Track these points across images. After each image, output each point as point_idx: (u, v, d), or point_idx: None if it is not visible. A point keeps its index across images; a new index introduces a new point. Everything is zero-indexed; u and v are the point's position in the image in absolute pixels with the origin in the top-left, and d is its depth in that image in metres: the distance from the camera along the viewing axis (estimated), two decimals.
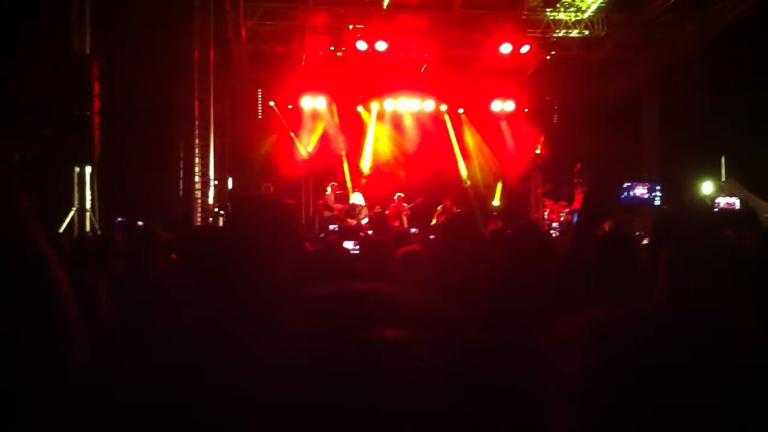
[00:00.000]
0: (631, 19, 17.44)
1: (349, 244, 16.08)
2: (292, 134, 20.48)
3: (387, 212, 17.89)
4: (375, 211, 18.16)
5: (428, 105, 21.11)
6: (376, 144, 20.79)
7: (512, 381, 1.78)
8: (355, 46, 17.70)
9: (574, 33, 17.94)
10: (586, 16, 17.17)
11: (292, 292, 2.05)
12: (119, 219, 13.22)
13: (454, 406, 1.38)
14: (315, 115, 20.73)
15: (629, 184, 17.02)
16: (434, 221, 18.48)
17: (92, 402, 1.43)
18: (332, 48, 18.10)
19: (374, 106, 20.82)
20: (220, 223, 14.67)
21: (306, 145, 20.56)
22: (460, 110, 21.50)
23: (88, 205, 11.91)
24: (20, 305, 1.37)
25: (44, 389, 1.36)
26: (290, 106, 20.60)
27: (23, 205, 1.43)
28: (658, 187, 17.12)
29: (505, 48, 18.04)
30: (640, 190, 17.02)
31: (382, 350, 1.28)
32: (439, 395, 1.30)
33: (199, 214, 15.30)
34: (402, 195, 18.76)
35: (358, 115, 21.02)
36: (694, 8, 16.63)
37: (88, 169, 11.92)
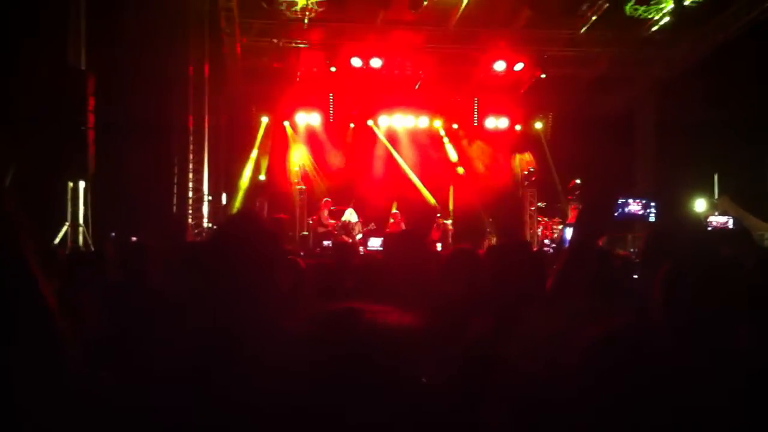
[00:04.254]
0: (625, 36, 17.52)
1: (376, 242, 16.48)
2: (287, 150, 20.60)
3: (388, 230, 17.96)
4: (369, 228, 18.19)
5: (422, 121, 21.19)
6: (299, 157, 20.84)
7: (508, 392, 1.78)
8: (350, 63, 17.75)
9: (569, 50, 18.04)
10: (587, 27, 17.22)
11: (289, 306, 2.05)
12: (113, 234, 13.19)
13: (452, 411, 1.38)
14: (310, 131, 20.80)
15: (623, 200, 17.06)
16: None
17: (88, 410, 1.43)
18: (327, 63, 18.15)
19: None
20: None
21: (299, 161, 20.60)
22: (455, 126, 21.60)
23: (81, 219, 11.89)
24: (5, 320, 1.37)
25: (31, 399, 1.35)
26: (285, 122, 20.67)
27: (13, 220, 1.43)
28: (652, 204, 17.17)
29: (499, 66, 18.11)
30: (635, 207, 17.06)
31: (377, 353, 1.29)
32: (436, 402, 1.30)
33: (193, 231, 15.26)
34: (397, 211, 18.83)
35: (354, 130, 21.08)
36: (687, 26, 16.72)
37: (82, 184, 11.90)
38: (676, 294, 2.29)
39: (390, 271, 3.85)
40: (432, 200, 20.66)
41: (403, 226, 18.28)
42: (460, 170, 21.17)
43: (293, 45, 17.81)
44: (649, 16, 15.85)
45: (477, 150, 21.65)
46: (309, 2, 15.24)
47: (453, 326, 2.88)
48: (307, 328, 1.40)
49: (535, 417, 1.28)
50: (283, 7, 15.34)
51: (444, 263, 4.51)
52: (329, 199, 18.91)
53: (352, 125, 21.02)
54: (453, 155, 21.38)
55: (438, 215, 19.47)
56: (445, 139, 21.47)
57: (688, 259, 2.61)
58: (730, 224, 14.82)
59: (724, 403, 1.29)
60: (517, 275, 3.24)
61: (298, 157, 20.65)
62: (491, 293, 3.17)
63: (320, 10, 15.45)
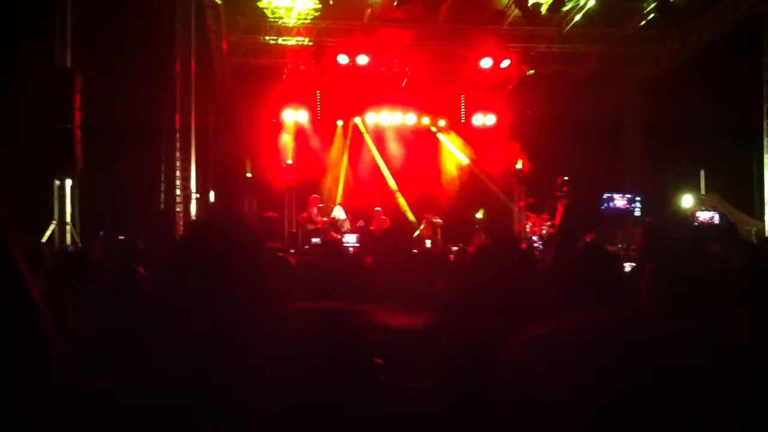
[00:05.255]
0: (613, 34, 17.56)
1: (351, 238, 16.45)
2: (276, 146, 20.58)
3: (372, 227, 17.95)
4: (358, 225, 18.20)
5: (410, 118, 21.18)
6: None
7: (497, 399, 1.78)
8: (337, 60, 17.73)
9: (556, 47, 18.07)
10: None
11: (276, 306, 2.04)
12: (101, 233, 13.14)
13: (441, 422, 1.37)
14: (297, 128, 20.77)
15: (609, 195, 17.13)
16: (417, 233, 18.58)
17: (74, 410, 1.42)
18: (314, 62, 18.11)
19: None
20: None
21: (288, 158, 20.56)
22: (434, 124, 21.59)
23: (68, 218, 11.82)
24: None
25: (18, 399, 1.35)
26: (273, 120, 20.64)
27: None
28: (637, 199, 17.25)
29: (486, 62, 18.12)
30: (620, 202, 17.14)
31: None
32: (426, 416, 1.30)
33: (180, 228, 15.20)
34: (380, 209, 18.86)
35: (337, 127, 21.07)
36: (674, 24, 16.78)
37: (69, 183, 11.84)
38: (664, 291, 2.30)
39: (369, 270, 3.85)
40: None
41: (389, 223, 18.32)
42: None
43: (280, 42, 17.79)
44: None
45: (465, 147, 21.66)
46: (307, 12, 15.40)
47: (444, 326, 2.88)
48: (297, 326, 1.40)
49: (532, 417, 1.28)
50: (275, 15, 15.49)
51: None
52: (317, 196, 18.91)
53: (339, 122, 21.03)
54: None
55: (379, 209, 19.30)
56: (447, 142, 21.45)
57: (679, 257, 2.62)
58: (716, 220, 14.90)
59: (712, 401, 1.30)
60: (507, 274, 3.24)
61: (287, 155, 20.62)
62: (482, 293, 3.17)
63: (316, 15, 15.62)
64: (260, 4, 15.83)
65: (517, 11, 15.92)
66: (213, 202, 17.98)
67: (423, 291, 3.80)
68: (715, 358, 1.39)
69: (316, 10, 16.05)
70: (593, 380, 1.25)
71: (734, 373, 1.37)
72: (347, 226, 18.31)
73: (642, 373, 1.26)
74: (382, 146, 21.19)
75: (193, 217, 15.46)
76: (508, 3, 16.17)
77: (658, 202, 17.37)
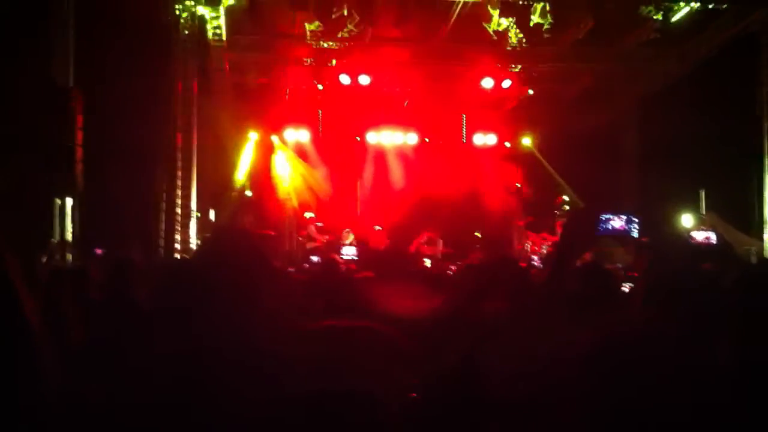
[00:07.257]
0: (610, 52, 17.61)
1: (351, 251, 16.43)
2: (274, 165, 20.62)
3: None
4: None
5: (411, 138, 21.22)
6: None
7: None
8: (338, 80, 17.78)
9: (554, 66, 18.12)
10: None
11: (277, 324, 2.06)
12: (98, 251, 13.14)
13: None
14: (299, 148, 20.80)
15: (607, 216, 17.14)
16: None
17: (68, 426, 1.43)
18: (315, 82, 18.15)
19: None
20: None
21: (288, 177, 20.59)
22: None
23: (68, 237, 11.84)
24: None
25: (12, 414, 1.36)
26: (274, 138, 20.67)
27: None
28: (635, 219, 17.27)
29: (487, 83, 18.18)
30: (618, 222, 17.15)
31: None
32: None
33: (181, 247, 15.19)
34: (380, 228, 18.86)
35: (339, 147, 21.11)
36: (671, 42, 16.82)
37: (69, 201, 11.86)
38: (657, 306, 2.32)
39: (367, 285, 3.87)
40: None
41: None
42: None
43: (281, 61, 17.88)
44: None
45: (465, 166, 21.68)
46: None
47: (441, 341, 2.90)
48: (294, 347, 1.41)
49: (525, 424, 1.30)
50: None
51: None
52: (313, 215, 18.93)
53: (341, 142, 21.08)
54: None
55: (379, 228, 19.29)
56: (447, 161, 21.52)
57: (672, 274, 2.63)
58: (713, 240, 14.90)
59: (702, 414, 1.32)
60: (503, 291, 3.26)
61: (287, 174, 20.65)
62: (475, 310, 3.19)
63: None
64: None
65: (515, 34, 15.91)
66: (214, 221, 18.00)
67: (422, 306, 3.83)
68: (701, 370, 1.41)
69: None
70: (588, 388, 1.27)
71: (720, 381, 1.39)
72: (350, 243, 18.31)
73: (634, 382, 1.28)
74: (383, 165, 21.22)
75: (194, 236, 15.47)
76: (508, 25, 16.18)
77: (657, 222, 17.36)
